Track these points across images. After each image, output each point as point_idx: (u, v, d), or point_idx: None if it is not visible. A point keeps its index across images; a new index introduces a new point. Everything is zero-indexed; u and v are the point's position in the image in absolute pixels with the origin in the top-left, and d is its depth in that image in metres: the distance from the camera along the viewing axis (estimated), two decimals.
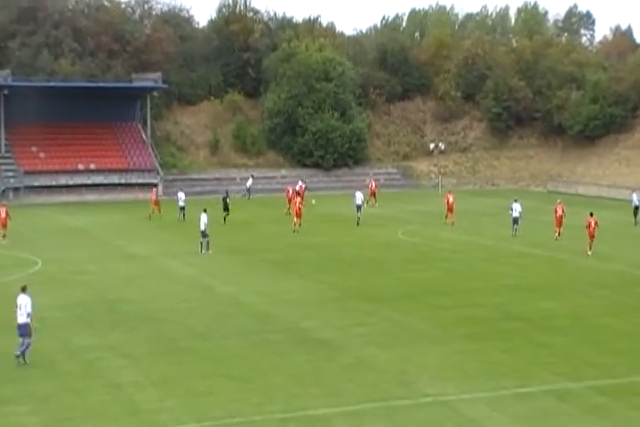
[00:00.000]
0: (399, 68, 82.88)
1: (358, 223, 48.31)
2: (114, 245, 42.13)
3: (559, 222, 42.42)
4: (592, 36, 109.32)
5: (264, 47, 79.45)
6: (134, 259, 37.64)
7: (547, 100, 77.90)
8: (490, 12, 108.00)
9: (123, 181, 66.93)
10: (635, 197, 49.06)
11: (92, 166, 67.04)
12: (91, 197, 64.87)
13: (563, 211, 42.62)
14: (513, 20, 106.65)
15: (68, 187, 65.18)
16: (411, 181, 74.99)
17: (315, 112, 74.08)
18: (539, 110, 78.93)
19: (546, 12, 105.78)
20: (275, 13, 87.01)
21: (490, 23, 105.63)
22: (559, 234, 42.14)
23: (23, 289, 21.77)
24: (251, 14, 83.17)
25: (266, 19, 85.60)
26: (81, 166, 66.72)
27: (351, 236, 44.84)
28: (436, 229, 47.07)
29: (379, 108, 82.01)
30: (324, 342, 23.30)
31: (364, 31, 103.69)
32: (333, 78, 74.98)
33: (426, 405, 18.25)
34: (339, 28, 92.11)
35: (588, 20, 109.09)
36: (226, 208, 49.93)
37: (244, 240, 43.26)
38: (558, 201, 44.27)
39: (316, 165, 74.41)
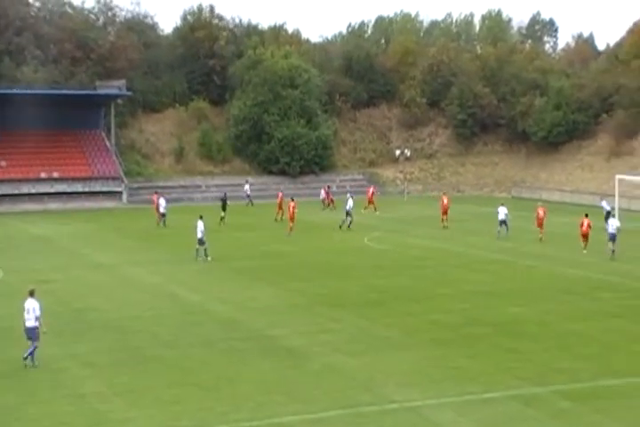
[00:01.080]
0: (365, 74, 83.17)
1: (341, 227, 48.79)
2: (78, 253, 41.72)
3: (540, 224, 43.88)
4: (555, 43, 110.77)
5: (229, 54, 79.31)
6: (99, 268, 37.29)
7: (511, 107, 78.59)
8: (454, 20, 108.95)
9: (86, 189, 66.40)
10: (604, 203, 49.38)
11: (56, 175, 66.39)
12: (54, 205, 64.20)
13: (544, 213, 44.03)
14: (477, 28, 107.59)
15: (30, 195, 64.48)
16: (377, 188, 75.11)
17: (281, 119, 74.06)
18: (503, 117, 79.59)
19: (510, 20, 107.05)
20: (240, 20, 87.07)
21: (455, 30, 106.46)
22: (540, 234, 43.62)
23: (31, 293, 21.96)
24: (216, 21, 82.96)
25: (231, 26, 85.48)
26: (44, 175, 66.02)
27: (318, 243, 44.82)
28: (402, 235, 47.20)
29: (345, 115, 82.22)
30: (290, 350, 23.22)
31: (329, 38, 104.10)
32: (299, 85, 75.04)
33: (392, 411, 18.24)
34: (304, 36, 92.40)
35: (551, 27, 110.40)
36: (224, 209, 52.39)
37: (210, 248, 43.00)
38: (539, 204, 44.99)
39: (283, 172, 74.37)
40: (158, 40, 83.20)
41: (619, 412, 17.90)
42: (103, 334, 25.11)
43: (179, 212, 55.46)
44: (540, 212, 44.54)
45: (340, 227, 49.01)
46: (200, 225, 38.57)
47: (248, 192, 63.66)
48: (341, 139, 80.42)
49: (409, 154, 76.46)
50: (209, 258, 38.22)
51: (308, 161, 74.33)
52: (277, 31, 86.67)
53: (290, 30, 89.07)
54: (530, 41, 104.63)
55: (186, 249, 42.88)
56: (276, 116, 73.96)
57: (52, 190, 65.39)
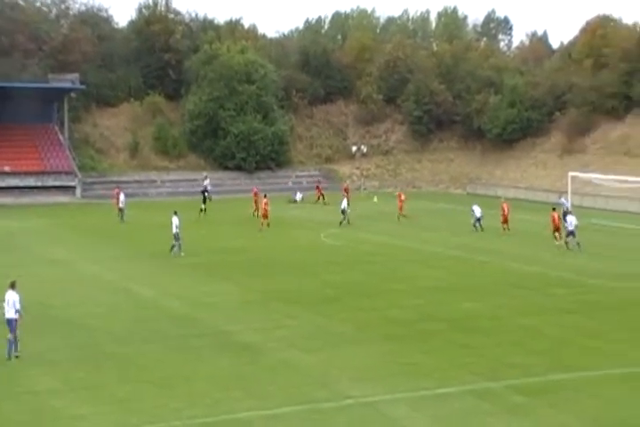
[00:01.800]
0: (322, 70, 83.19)
1: (341, 223, 48.99)
2: (33, 249, 41.13)
3: (505, 219, 45.30)
4: (510, 41, 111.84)
5: (185, 48, 78.78)
6: (55, 264, 36.80)
7: (466, 104, 79.18)
8: (411, 16, 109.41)
9: (39, 183, 65.56)
10: (564, 200, 49.86)
11: (7, 169, 65.39)
12: (6, 200, 63.22)
13: (508, 209, 45.69)
14: (433, 25, 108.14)
15: None
16: (333, 184, 75.09)
17: (237, 114, 73.76)
18: (458, 114, 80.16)
19: (465, 17, 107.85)
20: (196, 15, 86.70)
21: (411, 27, 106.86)
22: (505, 229, 44.95)
23: (12, 285, 21.95)
24: (172, 15, 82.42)
25: (187, 20, 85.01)
26: None
27: (273, 239, 44.75)
28: (358, 231, 47.30)
29: (301, 110, 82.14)
30: (246, 346, 23.14)
31: (286, 34, 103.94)
32: (256, 81, 74.78)
33: (348, 406, 18.26)
34: (261, 31, 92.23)
35: (505, 25, 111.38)
36: (204, 202, 53.62)
37: (165, 244, 42.66)
38: (503, 200, 45.52)
39: (239, 168, 74.11)
40: (113, 33, 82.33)
41: (571, 406, 18.12)
42: (59, 330, 24.79)
43: (134, 207, 54.99)
44: (505, 208, 45.65)
45: (341, 223, 49.05)
46: (175, 220, 38.45)
47: (208, 187, 63.03)
48: (298, 135, 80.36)
49: (365, 150, 76.68)
50: (182, 253, 37.97)
51: (264, 157, 74.16)
52: (234, 26, 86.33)
53: (246, 25, 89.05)
54: (485, 39, 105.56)
55: (142, 245, 42.66)
56: (232, 111, 73.66)
57: (3, 184, 64.43)
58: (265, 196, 49.44)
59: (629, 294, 30.10)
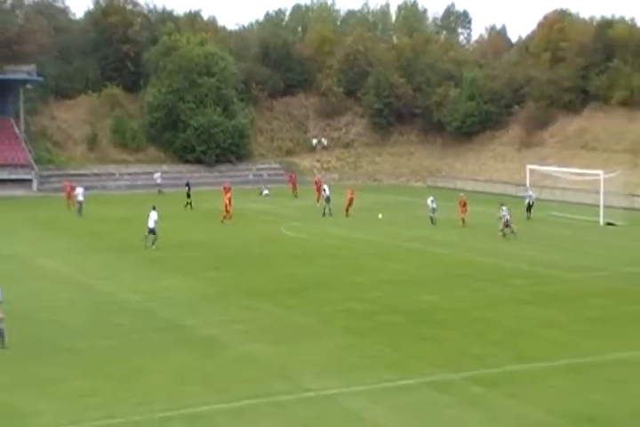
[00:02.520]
0: (282, 63, 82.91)
1: (324, 214, 49.43)
2: None
3: (464, 211, 45.74)
4: (469, 34, 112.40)
5: (144, 40, 77.99)
6: (9, 258, 36.23)
7: (426, 97, 79.45)
8: (371, 9, 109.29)
9: None
10: (530, 193, 50.06)
11: None
12: None
13: (465, 202, 46.10)
14: (393, 18, 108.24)
15: None
16: (291, 175, 75.05)
17: (196, 107, 73.27)
18: (419, 107, 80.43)
19: (425, 11, 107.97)
20: (154, 6, 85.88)
21: (371, 20, 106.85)
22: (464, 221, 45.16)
23: None
24: (129, 6, 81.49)
25: (145, 11, 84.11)
26: None
27: (234, 232, 44.58)
28: (319, 225, 47.30)
29: (261, 103, 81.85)
30: (205, 339, 23.03)
31: (246, 26, 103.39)
32: (215, 73, 74.32)
33: (308, 399, 18.26)
34: (221, 23, 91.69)
35: (465, 19, 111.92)
36: (189, 195, 54.01)
37: (123, 237, 42.37)
38: (462, 194, 45.77)
39: (199, 161, 73.66)
40: (69, 24, 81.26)
41: (528, 396, 18.30)
42: (13, 325, 24.22)
43: (92, 200, 54.33)
44: (463, 200, 46.22)
45: (324, 215, 49.45)
46: (153, 215, 38.30)
47: (158, 181, 62.03)
48: (258, 127, 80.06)
49: (326, 143, 76.64)
50: (154, 247, 37.84)
51: (224, 150, 73.77)
52: (193, 18, 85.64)
53: (206, 17, 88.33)
54: (444, 32, 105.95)
55: (100, 238, 42.24)
56: (192, 103, 73.16)
57: None
58: (229, 189, 49.45)
59: (584, 284, 30.48)
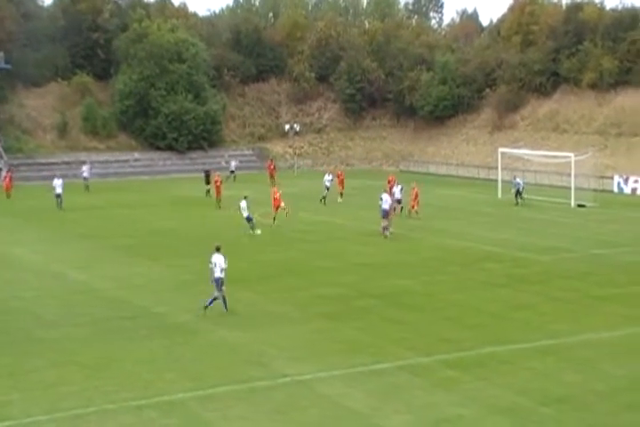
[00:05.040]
0: (253, 49, 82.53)
1: (324, 201, 49.05)
2: None
3: (416, 203, 44.04)
4: (441, 18, 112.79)
5: (114, 27, 77.26)
6: None
7: (398, 82, 79.46)
8: None
9: None
10: (518, 180, 49.94)
11: None
12: None
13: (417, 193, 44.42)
14: (365, 3, 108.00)
15: None
16: (266, 163, 74.96)
17: (168, 94, 72.83)
18: (391, 91, 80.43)
19: None
20: None
21: (342, 5, 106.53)
22: (415, 213, 43.67)
23: (218, 249, 23.93)
24: None
25: None
26: None
27: (206, 219, 44.49)
28: (291, 209, 47.18)
29: (233, 89, 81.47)
30: (178, 327, 22.99)
31: (216, 12, 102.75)
32: (186, 59, 73.87)
33: (283, 385, 18.30)
34: (191, 9, 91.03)
35: (436, 3, 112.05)
36: (207, 182, 52.53)
37: (95, 226, 42.15)
38: (413, 186, 45.32)
39: (170, 148, 73.29)
40: (38, 11, 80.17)
41: (500, 378, 18.46)
42: None
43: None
44: (415, 190, 44.58)
45: (321, 200, 49.19)
46: (243, 204, 38.51)
47: (85, 174, 59.54)
48: (230, 114, 79.72)
49: (298, 128, 76.51)
50: (258, 232, 38.28)
51: (196, 136, 73.45)
52: (163, 4, 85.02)
53: (176, 3, 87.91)
54: (416, 16, 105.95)
55: (72, 227, 41.95)
56: (163, 90, 72.70)
57: None
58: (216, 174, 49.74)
59: (555, 266, 30.77)
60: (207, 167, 59.61)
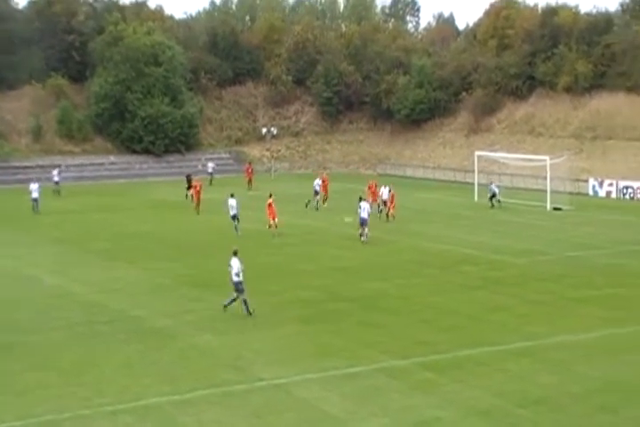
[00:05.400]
0: (230, 52, 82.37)
1: (310, 206, 48.47)
2: None
3: (392, 206, 43.95)
4: (417, 22, 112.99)
5: (89, 30, 76.84)
6: None
7: (375, 85, 79.59)
8: None
9: None
10: (493, 186, 50.07)
11: None
12: None
13: (394, 195, 44.31)
14: (342, 6, 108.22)
15: None
16: (244, 166, 74.80)
17: (144, 97, 72.50)
18: (368, 95, 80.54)
19: None
20: None
21: (320, 8, 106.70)
22: (392, 215, 43.67)
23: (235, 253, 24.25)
24: None
25: (91, 0, 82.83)
26: None
27: (183, 222, 44.33)
28: (266, 213, 47.12)
29: (210, 93, 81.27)
30: (155, 331, 22.89)
31: (193, 15, 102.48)
32: (163, 62, 73.59)
33: (259, 389, 18.27)
34: (167, 12, 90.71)
35: (413, 6, 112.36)
36: (189, 187, 51.55)
37: (71, 230, 41.90)
38: (390, 188, 45.35)
39: (147, 151, 72.95)
40: (12, 14, 79.49)
41: (477, 380, 18.52)
42: None
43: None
44: (391, 193, 44.56)
45: (307, 205, 48.65)
46: (232, 202, 39.23)
47: (55, 178, 58.81)
48: (207, 117, 79.50)
49: (275, 132, 76.40)
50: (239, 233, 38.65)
51: (172, 140, 73.17)
52: (139, 7, 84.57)
53: (152, 6, 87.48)
54: (393, 20, 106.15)
55: (45, 231, 41.66)
56: (139, 93, 72.35)
57: None
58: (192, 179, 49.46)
59: (531, 269, 30.93)
60: (188, 171, 59.32)
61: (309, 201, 49.00)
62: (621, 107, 63.87)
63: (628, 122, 62.39)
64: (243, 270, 24.05)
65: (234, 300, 24.25)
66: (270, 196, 39.81)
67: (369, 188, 47.37)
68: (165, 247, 36.51)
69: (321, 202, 49.27)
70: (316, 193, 49.30)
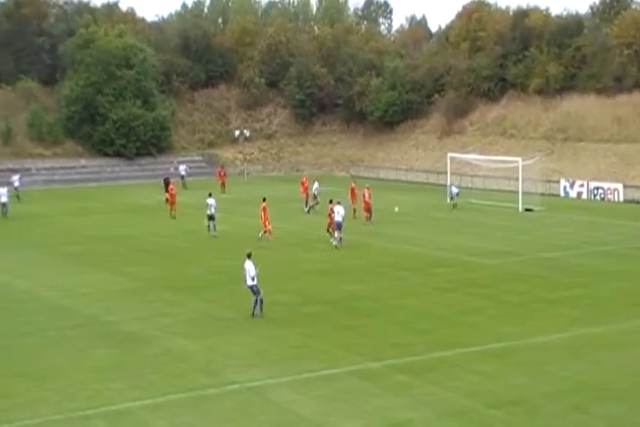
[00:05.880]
0: (202, 54, 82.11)
1: (311, 210, 47.91)
2: None
3: (367, 207, 43.62)
4: (390, 24, 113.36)
5: (60, 32, 76.29)
6: None
7: (348, 87, 79.67)
8: (292, 0, 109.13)
9: None
10: (453, 188, 50.29)
11: None
12: None
13: (369, 195, 43.95)
14: (314, 8, 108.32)
15: None
16: (216, 169, 74.55)
17: (115, 100, 72.05)
18: (341, 97, 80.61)
19: (346, 1, 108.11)
20: None
21: (292, 11, 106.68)
22: (368, 219, 43.34)
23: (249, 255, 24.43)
24: None
25: (61, 2, 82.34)
26: None
27: (156, 226, 44.07)
28: (241, 216, 47.09)
29: (182, 95, 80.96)
30: (127, 335, 22.73)
31: (165, 17, 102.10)
32: (135, 65, 73.19)
33: (232, 392, 18.18)
34: (139, 14, 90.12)
35: (385, 9, 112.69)
36: (167, 190, 49.91)
37: (40, 234, 41.52)
38: (366, 189, 45.09)
39: (118, 154, 72.48)
40: None
41: (451, 382, 18.55)
42: None
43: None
44: (366, 195, 44.18)
45: (309, 211, 47.92)
46: (211, 201, 39.78)
47: (16, 184, 58.07)
48: (179, 120, 79.18)
49: (248, 134, 76.26)
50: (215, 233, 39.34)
51: (144, 142, 72.75)
52: (111, 9, 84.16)
53: (124, 8, 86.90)
54: (365, 22, 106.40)
55: (13, 235, 41.28)
56: (111, 96, 71.90)
57: None
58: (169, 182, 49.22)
59: (503, 270, 31.06)
60: (166, 175, 58.93)
61: (314, 206, 48.37)
62: (591, 108, 64.41)
63: (598, 123, 62.94)
64: (257, 274, 24.09)
65: (256, 304, 24.35)
66: (264, 200, 39.19)
67: (351, 190, 46.72)
68: (138, 251, 36.27)
69: (303, 206, 49.02)
70: (315, 197, 48.75)
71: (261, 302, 24.27)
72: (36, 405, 17.47)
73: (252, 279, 24.13)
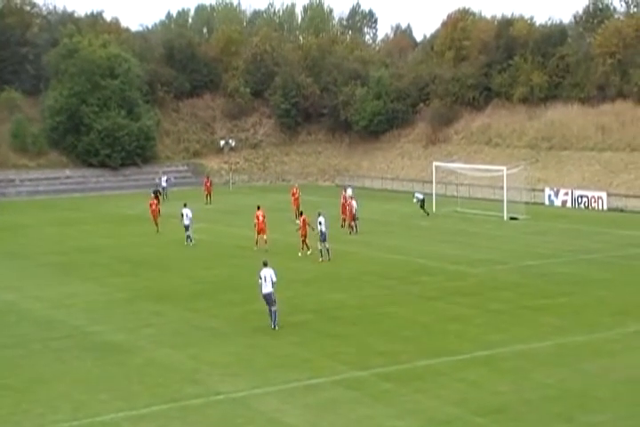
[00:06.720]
0: (187, 64, 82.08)
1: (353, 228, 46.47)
2: None
3: (352, 217, 43.50)
4: (375, 34, 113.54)
5: (44, 42, 76.10)
6: None
7: (333, 97, 79.80)
8: (277, 10, 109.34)
9: None
10: (418, 194, 50.49)
11: None
12: None
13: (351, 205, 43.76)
14: (300, 18, 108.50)
15: None
16: (202, 179, 74.42)
17: (100, 110, 71.88)
18: (326, 106, 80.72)
19: (331, 11, 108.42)
20: (54, 7, 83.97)
21: (277, 20, 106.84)
22: (351, 225, 43.32)
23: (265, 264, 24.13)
24: (28, 8, 79.43)
25: (45, 12, 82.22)
26: None
27: (140, 236, 43.90)
28: (226, 226, 47.04)
29: (167, 105, 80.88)
30: (112, 346, 22.61)
31: (149, 27, 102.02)
32: (119, 75, 73.08)
33: (217, 402, 18.11)
34: (124, 24, 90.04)
35: (370, 18, 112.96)
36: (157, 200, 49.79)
37: (23, 244, 41.31)
38: (350, 195, 44.94)
39: (103, 165, 72.24)
40: None
41: (436, 390, 18.53)
42: None
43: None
44: (352, 204, 44.03)
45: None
46: (187, 211, 39.78)
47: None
48: (164, 129, 79.07)
49: (233, 144, 76.24)
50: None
51: (129, 152, 72.57)
52: (95, 19, 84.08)
53: (108, 18, 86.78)
54: (350, 32, 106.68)
55: None
56: (95, 106, 71.73)
57: None
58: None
59: (487, 278, 31.11)
60: (155, 186, 58.84)
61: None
62: (575, 117, 64.72)
63: (582, 132, 63.24)
64: (275, 282, 23.84)
65: (271, 315, 24.07)
66: (258, 208, 38.89)
67: (344, 198, 46.36)
68: (122, 262, 36.13)
69: (293, 216, 48.49)
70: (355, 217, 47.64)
71: (275, 313, 23.93)
72: (18, 417, 17.36)
73: (272, 285, 23.76)
